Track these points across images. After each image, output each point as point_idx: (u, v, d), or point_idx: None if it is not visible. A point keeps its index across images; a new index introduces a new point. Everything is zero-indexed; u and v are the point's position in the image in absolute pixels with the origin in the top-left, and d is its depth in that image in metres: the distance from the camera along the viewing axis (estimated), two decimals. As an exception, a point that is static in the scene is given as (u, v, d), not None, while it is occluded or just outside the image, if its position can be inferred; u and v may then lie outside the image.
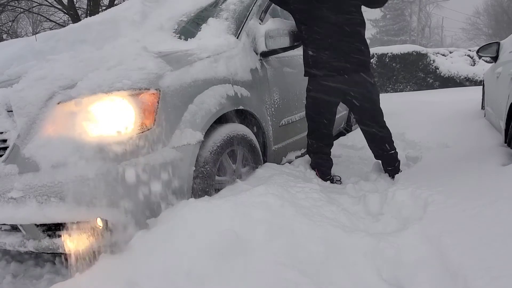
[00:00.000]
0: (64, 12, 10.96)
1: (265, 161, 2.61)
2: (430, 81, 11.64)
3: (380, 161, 2.78)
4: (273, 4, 2.87)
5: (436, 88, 11.32)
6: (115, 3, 9.96)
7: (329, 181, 2.70)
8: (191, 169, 1.90)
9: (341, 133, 4.38)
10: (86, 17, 9.61)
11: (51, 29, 10.97)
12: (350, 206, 2.16)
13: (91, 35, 2.82)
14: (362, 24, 2.56)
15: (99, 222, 1.68)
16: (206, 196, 1.92)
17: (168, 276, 1.37)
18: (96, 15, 3.64)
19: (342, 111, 4.06)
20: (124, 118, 1.71)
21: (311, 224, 1.70)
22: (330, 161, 2.79)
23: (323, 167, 2.75)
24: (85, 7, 10.94)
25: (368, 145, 2.77)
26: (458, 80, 11.34)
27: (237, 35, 2.53)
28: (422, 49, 12.01)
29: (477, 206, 1.65)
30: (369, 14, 33.66)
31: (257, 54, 2.61)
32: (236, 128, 2.24)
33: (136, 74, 1.78)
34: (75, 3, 11.12)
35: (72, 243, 1.69)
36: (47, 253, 2.12)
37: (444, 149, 3.20)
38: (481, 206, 1.63)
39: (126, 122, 1.71)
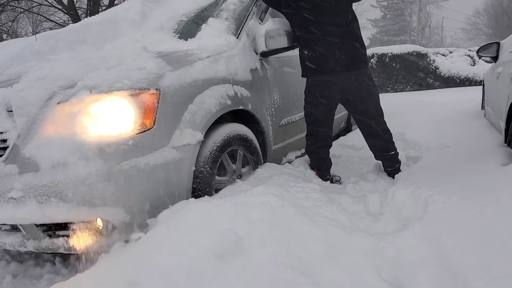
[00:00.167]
0: (64, 12, 10.97)
1: (265, 161, 2.61)
2: (430, 81, 11.63)
3: (380, 162, 2.78)
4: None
5: (436, 88, 11.29)
6: (115, 3, 9.96)
7: (328, 181, 2.70)
8: (191, 169, 1.90)
9: (341, 133, 4.38)
10: (86, 17, 9.61)
11: (51, 29, 10.97)
12: (350, 206, 2.16)
13: (91, 35, 2.82)
14: (354, 20, 2.56)
15: (99, 222, 1.69)
16: (206, 196, 1.92)
17: (168, 276, 1.37)
18: (96, 15, 3.64)
19: (341, 111, 4.05)
20: (124, 118, 1.71)
21: (311, 224, 1.70)
22: (329, 161, 2.79)
23: (321, 167, 2.75)
24: (85, 7, 10.94)
25: (368, 146, 2.76)
26: (458, 80, 11.32)
27: (237, 35, 2.53)
28: (422, 49, 11.99)
29: (477, 206, 1.65)
30: (369, 14, 33.76)
31: (257, 54, 2.61)
32: (236, 128, 2.24)
33: (136, 74, 1.78)
34: (75, 3, 11.12)
35: (72, 243, 1.69)
36: (47, 253, 2.12)
37: (444, 149, 3.19)
38: (481, 206, 1.63)
39: (126, 122, 1.71)
